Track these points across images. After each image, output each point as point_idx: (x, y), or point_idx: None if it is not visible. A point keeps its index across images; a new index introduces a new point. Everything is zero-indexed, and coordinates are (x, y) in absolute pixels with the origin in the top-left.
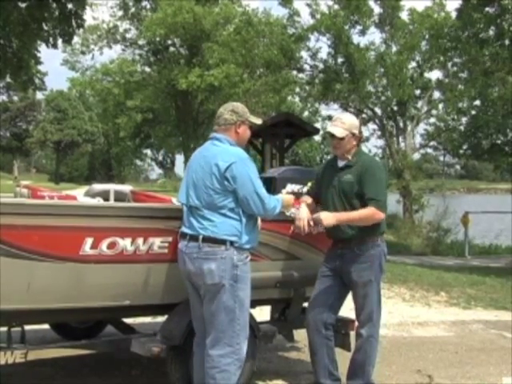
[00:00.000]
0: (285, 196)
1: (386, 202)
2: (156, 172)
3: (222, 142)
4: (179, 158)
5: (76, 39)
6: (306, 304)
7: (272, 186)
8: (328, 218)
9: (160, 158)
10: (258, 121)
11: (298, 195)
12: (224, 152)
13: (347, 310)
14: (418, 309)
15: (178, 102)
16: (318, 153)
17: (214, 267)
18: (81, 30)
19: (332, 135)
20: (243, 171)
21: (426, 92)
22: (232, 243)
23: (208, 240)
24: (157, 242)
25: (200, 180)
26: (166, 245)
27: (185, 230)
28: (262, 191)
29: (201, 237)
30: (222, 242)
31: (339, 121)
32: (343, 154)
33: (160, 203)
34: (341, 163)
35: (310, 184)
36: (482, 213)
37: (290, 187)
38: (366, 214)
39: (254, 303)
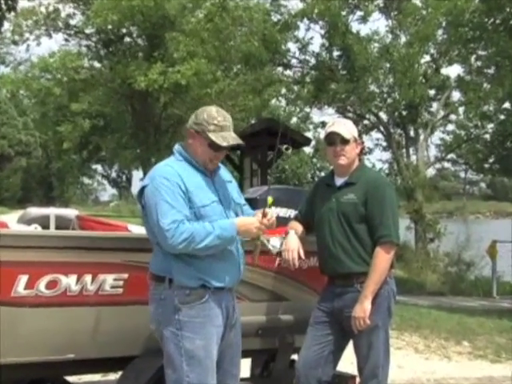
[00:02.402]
0: (241, 220)
1: (398, 232)
2: (108, 192)
3: (174, 154)
4: (137, 175)
5: (6, 25)
6: (295, 356)
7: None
8: (361, 308)
9: (113, 174)
10: (222, 141)
11: (284, 221)
12: (150, 171)
13: (347, 363)
14: (435, 362)
15: (135, 105)
16: (309, 168)
17: (152, 310)
18: (12, 14)
19: (333, 139)
20: (150, 196)
21: (442, 93)
22: (171, 281)
23: (151, 276)
24: (109, 280)
25: None
26: (121, 283)
27: None
28: (165, 221)
29: (148, 272)
30: (161, 279)
31: (338, 123)
32: (348, 165)
33: (113, 231)
34: (339, 181)
35: (270, 200)
36: None
37: (275, 211)
38: (384, 262)
39: None
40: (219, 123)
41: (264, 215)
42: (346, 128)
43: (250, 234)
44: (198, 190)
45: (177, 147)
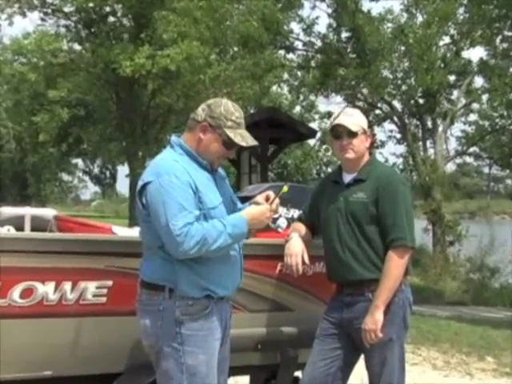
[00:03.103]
0: (249, 212)
1: (414, 234)
2: (90, 190)
3: (173, 147)
4: (122, 171)
5: None
6: (299, 373)
7: None
8: (372, 320)
9: (95, 170)
10: (241, 140)
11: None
12: (151, 165)
13: (357, 380)
14: (456, 380)
15: (120, 92)
16: (314, 164)
17: (148, 323)
18: None
19: (339, 132)
20: (156, 195)
21: (463, 78)
22: (173, 290)
23: (144, 285)
24: (91, 288)
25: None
26: (104, 291)
27: None
28: (177, 223)
29: (139, 280)
30: (160, 288)
31: (345, 113)
32: (355, 160)
33: (96, 233)
34: (348, 177)
35: (285, 189)
36: None
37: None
38: (398, 268)
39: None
40: (237, 120)
41: (267, 199)
42: (353, 119)
43: (261, 225)
44: (206, 189)
45: (175, 139)
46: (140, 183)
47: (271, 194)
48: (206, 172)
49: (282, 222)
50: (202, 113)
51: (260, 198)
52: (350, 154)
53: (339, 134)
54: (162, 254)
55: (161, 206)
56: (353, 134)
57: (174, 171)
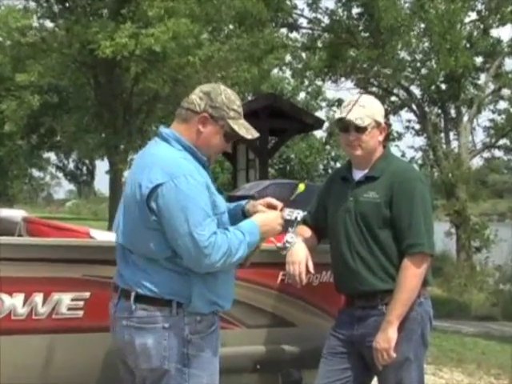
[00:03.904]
0: (261, 218)
1: (433, 240)
2: (64, 189)
3: (169, 141)
4: (101, 166)
5: None
6: None
7: None
8: (384, 337)
9: (70, 165)
10: (246, 133)
11: (288, 225)
12: (156, 163)
13: None
14: None
15: (98, 77)
16: (320, 158)
17: (150, 343)
18: None
19: (346, 125)
20: (173, 199)
21: (492, 60)
22: (181, 305)
23: (143, 300)
24: (65, 301)
25: (128, 207)
26: (81, 304)
27: (116, 280)
28: (203, 233)
29: (133, 294)
30: (165, 303)
31: (355, 103)
32: (364, 156)
33: (71, 238)
34: (358, 174)
35: (301, 187)
36: None
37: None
38: (414, 278)
39: None
40: (238, 109)
41: (269, 206)
42: (364, 111)
43: (273, 233)
44: (216, 191)
45: (170, 132)
46: (148, 185)
47: (273, 200)
48: (207, 170)
49: (291, 237)
50: (201, 102)
51: (261, 207)
52: (358, 151)
53: (346, 126)
54: (170, 266)
55: (180, 213)
56: (361, 129)
57: (189, 171)
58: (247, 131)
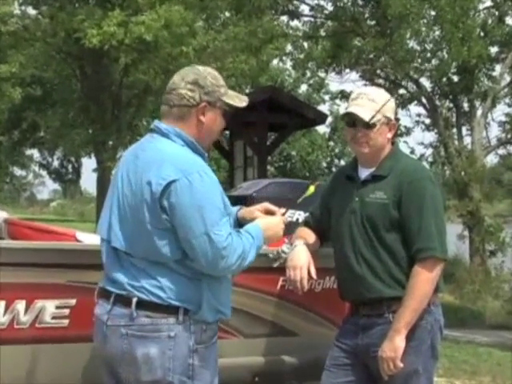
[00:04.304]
0: (264, 222)
1: (445, 243)
2: (48, 188)
3: (169, 137)
4: (88, 164)
5: None
6: None
7: None
8: (391, 346)
9: (55, 163)
10: (240, 102)
11: (290, 227)
12: (166, 159)
13: None
14: None
15: (85, 68)
16: (323, 155)
17: (153, 353)
18: None
19: (353, 120)
20: (188, 196)
21: (508, 50)
22: (187, 313)
23: (147, 306)
24: (50, 308)
25: (128, 207)
26: (66, 312)
27: (106, 285)
28: (221, 233)
29: (135, 300)
30: (172, 310)
31: (364, 97)
32: (372, 154)
33: (56, 241)
34: (364, 172)
35: (311, 189)
36: None
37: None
38: (425, 285)
39: None
40: (223, 81)
41: (266, 212)
42: (374, 106)
43: (276, 238)
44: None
45: (170, 128)
46: (161, 182)
47: (270, 206)
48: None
49: (287, 248)
50: (193, 94)
51: (259, 213)
52: (365, 149)
53: (353, 121)
54: (180, 269)
55: (195, 212)
56: (370, 126)
57: (202, 168)
58: (240, 100)
